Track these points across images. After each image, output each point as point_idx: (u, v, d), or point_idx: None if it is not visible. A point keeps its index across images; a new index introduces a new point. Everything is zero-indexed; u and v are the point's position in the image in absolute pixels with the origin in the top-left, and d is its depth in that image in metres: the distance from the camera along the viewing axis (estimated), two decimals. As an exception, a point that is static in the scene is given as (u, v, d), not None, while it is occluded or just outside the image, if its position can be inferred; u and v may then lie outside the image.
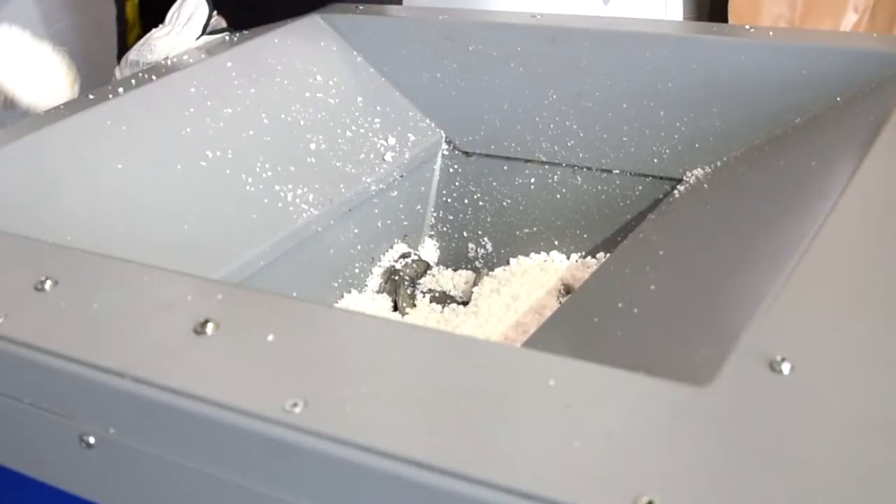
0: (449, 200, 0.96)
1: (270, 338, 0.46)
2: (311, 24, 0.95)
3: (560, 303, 0.79)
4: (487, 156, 0.93)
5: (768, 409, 0.40)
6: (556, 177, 0.90)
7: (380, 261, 0.90)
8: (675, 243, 0.70)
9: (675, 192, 0.82)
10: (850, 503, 0.35)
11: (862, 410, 0.39)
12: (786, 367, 0.41)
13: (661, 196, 0.85)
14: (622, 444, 0.37)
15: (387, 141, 0.90)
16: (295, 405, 0.41)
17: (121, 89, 0.81)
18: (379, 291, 0.88)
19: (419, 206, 0.94)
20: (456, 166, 0.95)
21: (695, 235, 0.70)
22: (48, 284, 0.53)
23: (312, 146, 0.85)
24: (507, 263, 0.91)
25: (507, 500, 0.36)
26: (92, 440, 0.47)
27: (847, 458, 0.37)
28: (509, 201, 0.93)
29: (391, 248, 0.91)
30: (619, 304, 0.60)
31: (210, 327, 0.47)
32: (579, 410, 0.39)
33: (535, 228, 0.92)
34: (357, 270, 0.88)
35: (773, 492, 0.35)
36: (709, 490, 0.35)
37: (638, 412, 0.39)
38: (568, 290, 0.82)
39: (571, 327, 0.63)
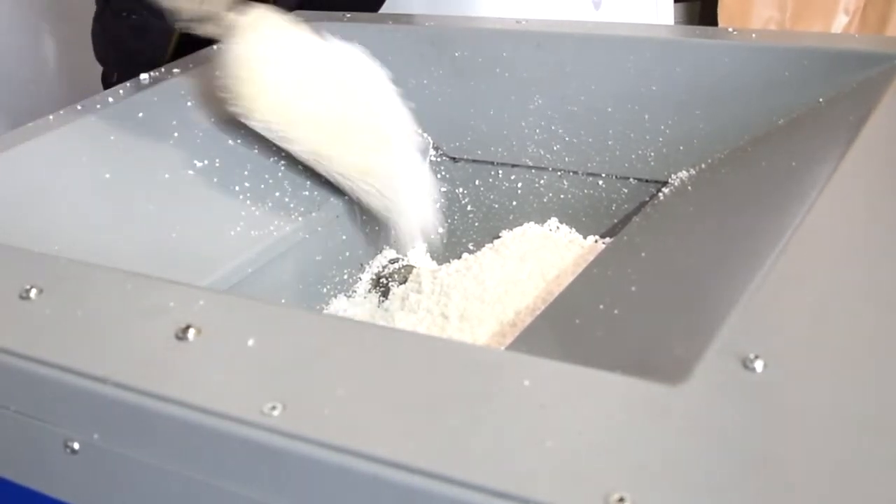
0: (437, 205, 0.96)
1: (251, 342, 0.46)
2: (298, 33, 0.95)
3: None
4: (475, 161, 0.94)
5: (741, 407, 0.40)
6: (542, 181, 0.91)
7: (368, 266, 0.91)
8: (658, 245, 0.70)
9: (660, 194, 0.82)
10: (823, 499, 0.35)
11: (833, 407, 0.39)
12: (759, 365, 0.42)
13: (646, 198, 0.85)
14: (594, 443, 0.38)
15: (375, 147, 0.91)
16: (273, 408, 0.41)
17: (110, 99, 0.82)
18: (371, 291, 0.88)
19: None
20: (444, 172, 0.95)
21: (677, 237, 0.71)
22: (33, 293, 0.53)
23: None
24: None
25: (481, 499, 0.36)
26: (76, 446, 0.48)
27: (819, 453, 0.37)
28: (497, 206, 0.93)
29: (379, 253, 0.92)
30: (601, 306, 0.61)
31: (192, 333, 0.47)
32: (553, 410, 0.40)
33: (522, 232, 0.92)
34: (346, 276, 0.88)
35: (746, 488, 0.36)
36: (680, 487, 0.36)
37: (611, 411, 0.40)
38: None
39: (554, 329, 0.63)
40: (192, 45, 0.93)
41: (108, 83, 1.16)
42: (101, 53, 1.18)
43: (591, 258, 0.78)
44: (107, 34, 1.14)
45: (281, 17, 0.81)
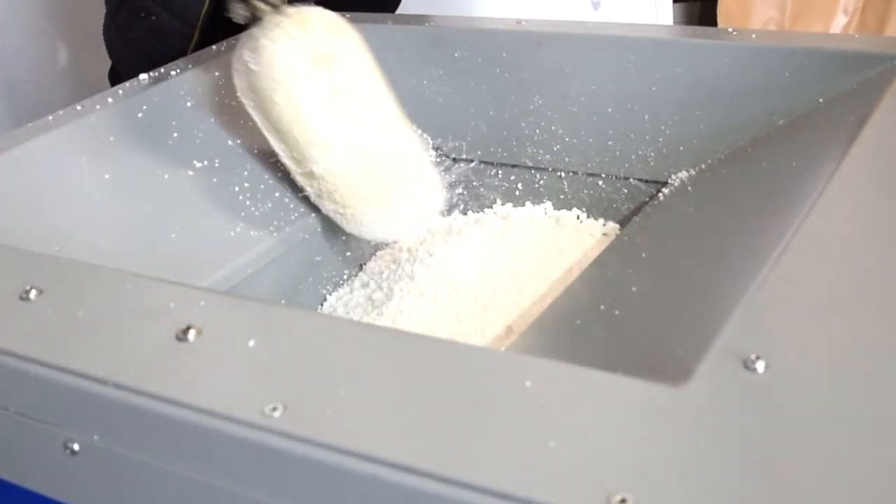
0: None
1: (251, 343, 0.46)
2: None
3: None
4: (475, 161, 0.94)
5: (742, 407, 0.40)
6: (542, 181, 0.91)
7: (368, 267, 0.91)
8: (658, 245, 0.70)
9: (660, 195, 0.82)
10: (823, 499, 0.35)
11: (835, 407, 0.39)
12: (760, 366, 0.42)
13: (646, 199, 0.85)
14: (596, 444, 0.38)
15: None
16: (274, 409, 0.41)
17: (109, 99, 0.82)
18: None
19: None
20: (443, 172, 0.95)
21: (677, 237, 0.71)
22: (33, 293, 0.53)
23: (300, 153, 0.86)
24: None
25: (482, 500, 0.36)
26: (76, 447, 0.48)
27: (820, 454, 0.37)
28: (496, 206, 0.94)
29: (376, 253, 0.92)
30: (602, 307, 0.61)
31: (192, 334, 0.47)
32: (554, 411, 0.40)
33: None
34: (346, 276, 0.88)
35: (747, 489, 0.36)
36: (683, 488, 0.36)
37: (613, 412, 0.40)
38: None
39: (554, 330, 0.63)
40: (211, 45, 0.93)
41: (116, 81, 1.16)
42: (115, 52, 1.17)
43: (593, 257, 0.78)
44: (122, 33, 1.14)
45: (332, 21, 0.78)
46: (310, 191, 0.81)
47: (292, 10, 0.76)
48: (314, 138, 0.76)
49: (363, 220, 0.80)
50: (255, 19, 0.77)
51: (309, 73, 0.75)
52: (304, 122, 0.76)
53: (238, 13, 0.78)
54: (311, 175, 0.79)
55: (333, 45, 0.77)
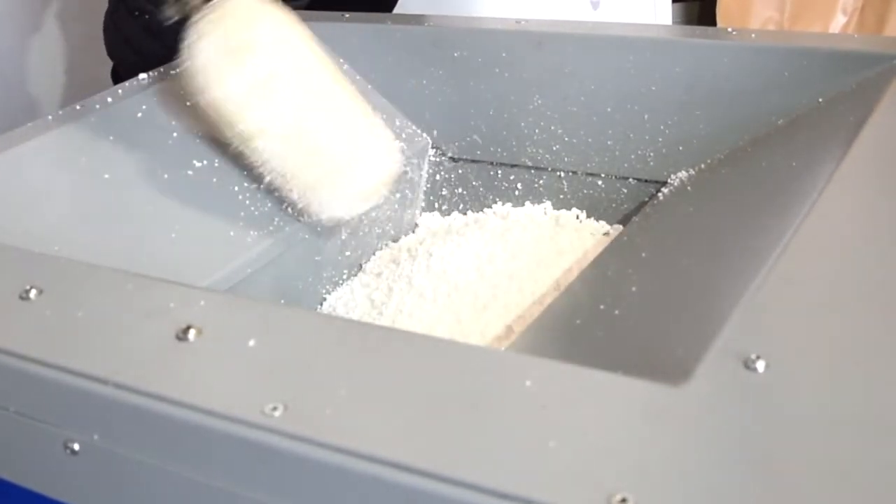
0: (436, 206, 0.97)
1: (252, 343, 0.46)
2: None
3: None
4: (474, 161, 0.94)
5: (743, 407, 0.40)
6: (541, 181, 0.91)
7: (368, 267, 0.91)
8: (658, 245, 0.70)
9: (660, 194, 0.82)
10: (825, 500, 0.35)
11: (836, 408, 0.39)
12: (760, 366, 0.42)
13: (646, 199, 0.85)
14: (596, 443, 0.38)
15: (374, 148, 0.90)
16: (274, 409, 0.41)
17: (109, 99, 0.82)
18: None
19: (407, 212, 0.95)
20: (443, 172, 0.96)
21: (677, 237, 0.71)
22: (33, 293, 0.53)
23: (300, 153, 0.86)
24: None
25: (482, 500, 0.36)
26: (76, 447, 0.48)
27: (821, 455, 0.37)
28: (496, 206, 0.94)
29: (375, 253, 0.92)
30: (602, 307, 0.61)
31: (192, 333, 0.47)
32: (554, 411, 0.40)
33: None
34: (345, 276, 0.88)
35: (747, 489, 0.36)
36: (683, 487, 0.36)
37: (613, 411, 0.40)
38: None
39: (554, 329, 0.63)
40: None
41: (117, 81, 1.16)
42: (114, 50, 1.17)
43: (592, 257, 0.78)
44: (120, 32, 1.14)
45: (248, 9, 0.77)
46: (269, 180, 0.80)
47: (213, 4, 0.76)
48: (248, 129, 0.76)
49: (318, 201, 0.79)
50: (186, 17, 0.77)
51: (227, 67, 0.75)
52: (235, 115, 0.75)
53: (170, 11, 0.78)
54: (258, 164, 0.78)
55: (251, 34, 0.76)
